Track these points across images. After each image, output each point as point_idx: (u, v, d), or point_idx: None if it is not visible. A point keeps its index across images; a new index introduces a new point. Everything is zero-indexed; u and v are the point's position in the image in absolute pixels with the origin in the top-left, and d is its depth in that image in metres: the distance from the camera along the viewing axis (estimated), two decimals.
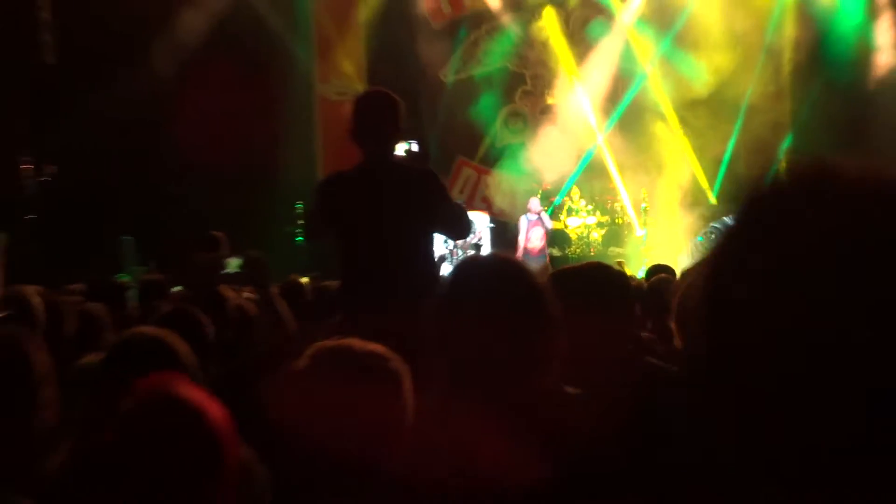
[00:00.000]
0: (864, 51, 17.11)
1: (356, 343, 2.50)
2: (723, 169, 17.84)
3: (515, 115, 18.07)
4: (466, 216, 5.61)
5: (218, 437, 2.21)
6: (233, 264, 10.16)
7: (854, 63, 17.01)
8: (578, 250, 17.40)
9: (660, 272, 7.48)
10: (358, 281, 5.10)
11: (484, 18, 17.97)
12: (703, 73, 16.99)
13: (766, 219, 0.97)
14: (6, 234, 9.43)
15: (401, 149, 5.60)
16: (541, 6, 17.95)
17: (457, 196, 15.75)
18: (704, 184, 17.99)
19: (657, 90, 17.62)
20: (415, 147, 5.87)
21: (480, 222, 15.86)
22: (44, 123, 13.92)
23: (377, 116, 5.18)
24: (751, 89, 17.32)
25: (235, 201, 13.94)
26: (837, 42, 17.14)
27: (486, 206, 17.52)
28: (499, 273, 2.50)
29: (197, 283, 6.64)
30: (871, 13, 17.19)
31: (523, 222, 15.89)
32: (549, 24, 17.92)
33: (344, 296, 5.29)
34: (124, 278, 9.51)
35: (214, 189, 14.33)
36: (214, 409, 2.24)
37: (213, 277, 7.88)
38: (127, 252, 13.43)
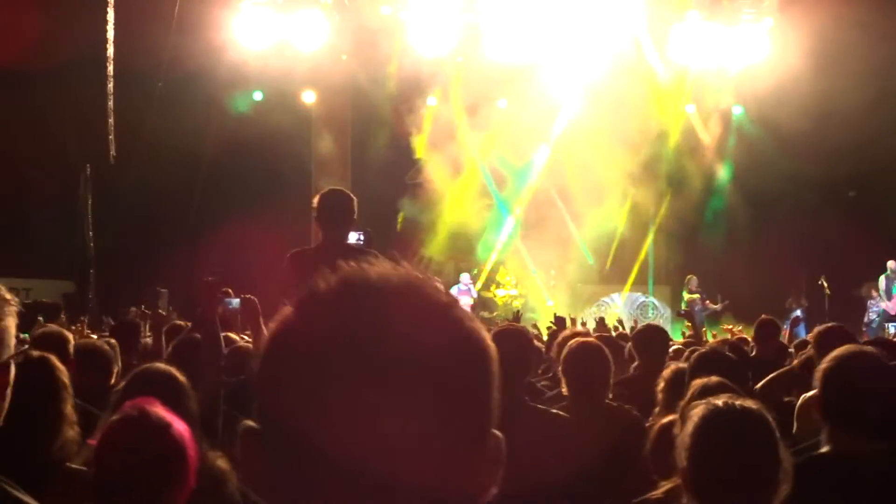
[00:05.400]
0: None
1: None
2: (613, 249, 17.84)
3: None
4: None
5: (178, 446, 2.17)
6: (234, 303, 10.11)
7: None
8: (503, 314, 17.48)
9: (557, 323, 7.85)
10: None
11: None
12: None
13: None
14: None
15: (353, 237, 5.65)
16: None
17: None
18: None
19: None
20: (363, 237, 6.03)
21: None
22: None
23: (335, 210, 5.07)
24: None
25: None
26: None
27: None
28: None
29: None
30: None
31: (454, 291, 15.76)
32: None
33: None
34: None
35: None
36: (178, 425, 2.20)
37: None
38: (161, 301, 13.49)
